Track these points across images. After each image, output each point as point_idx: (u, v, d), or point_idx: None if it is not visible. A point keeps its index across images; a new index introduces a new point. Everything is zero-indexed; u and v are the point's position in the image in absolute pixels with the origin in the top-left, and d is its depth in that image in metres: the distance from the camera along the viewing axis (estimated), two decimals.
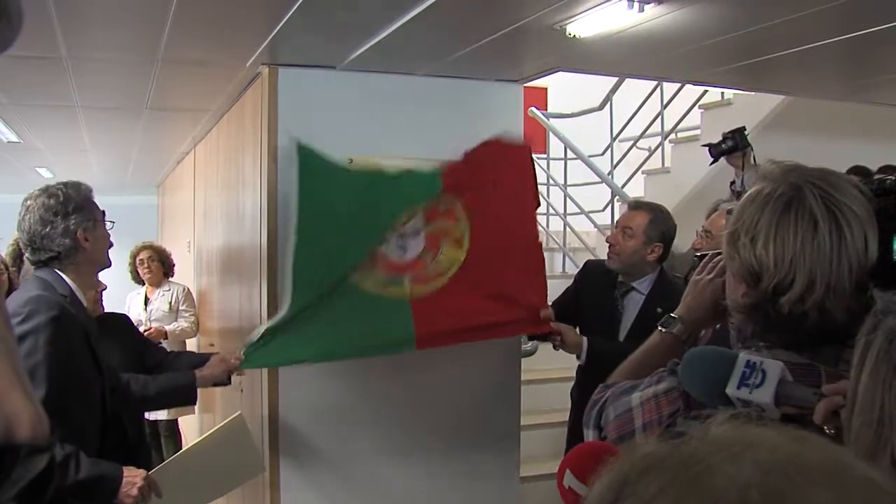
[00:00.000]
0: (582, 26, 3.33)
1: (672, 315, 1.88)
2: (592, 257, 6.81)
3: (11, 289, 5.15)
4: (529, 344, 4.90)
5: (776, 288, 1.44)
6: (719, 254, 1.83)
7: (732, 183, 4.32)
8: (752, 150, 4.15)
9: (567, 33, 3.38)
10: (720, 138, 4.23)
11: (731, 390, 1.37)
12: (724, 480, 0.61)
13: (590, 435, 1.79)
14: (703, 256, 2.05)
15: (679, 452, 0.66)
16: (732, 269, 1.55)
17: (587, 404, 1.87)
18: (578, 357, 3.82)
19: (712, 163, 4.40)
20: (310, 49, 3.87)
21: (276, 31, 3.47)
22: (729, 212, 1.91)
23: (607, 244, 4.04)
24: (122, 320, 3.98)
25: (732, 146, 4.17)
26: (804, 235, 1.41)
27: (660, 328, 1.89)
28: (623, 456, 0.70)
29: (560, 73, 4.39)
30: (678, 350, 1.83)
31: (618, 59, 4.03)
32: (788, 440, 0.66)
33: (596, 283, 4.07)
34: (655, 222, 3.85)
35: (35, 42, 3.66)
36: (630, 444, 0.72)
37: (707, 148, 4.29)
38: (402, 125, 4.27)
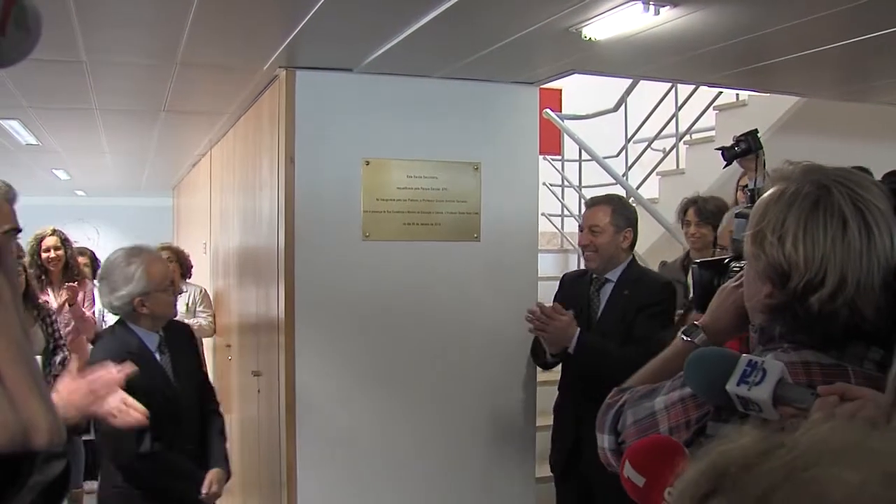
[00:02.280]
0: (597, 29, 3.34)
1: (696, 323, 1.84)
2: None
3: (28, 290, 5.24)
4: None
5: (806, 287, 1.43)
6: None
7: (745, 187, 4.31)
8: (763, 152, 4.15)
9: (583, 36, 3.39)
10: (733, 141, 4.22)
11: (730, 387, 1.37)
12: (841, 489, 0.59)
13: (605, 440, 1.76)
14: (702, 264, 2.04)
15: (787, 450, 0.64)
16: (757, 269, 1.53)
17: (600, 407, 1.82)
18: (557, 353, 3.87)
19: (726, 166, 4.39)
20: (327, 52, 3.90)
21: (293, 34, 3.50)
22: (738, 215, 1.89)
23: (580, 247, 4.08)
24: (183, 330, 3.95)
25: (746, 149, 4.14)
26: (834, 233, 1.41)
27: (682, 336, 1.85)
28: (717, 444, 0.68)
29: (575, 74, 4.40)
30: None
31: (633, 61, 4.05)
32: None
33: (573, 287, 4.13)
34: (618, 211, 3.92)
35: (56, 46, 3.69)
36: (723, 433, 0.71)
37: (720, 152, 4.29)
38: (418, 127, 4.30)
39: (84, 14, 3.26)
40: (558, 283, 4.35)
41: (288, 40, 3.60)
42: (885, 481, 0.59)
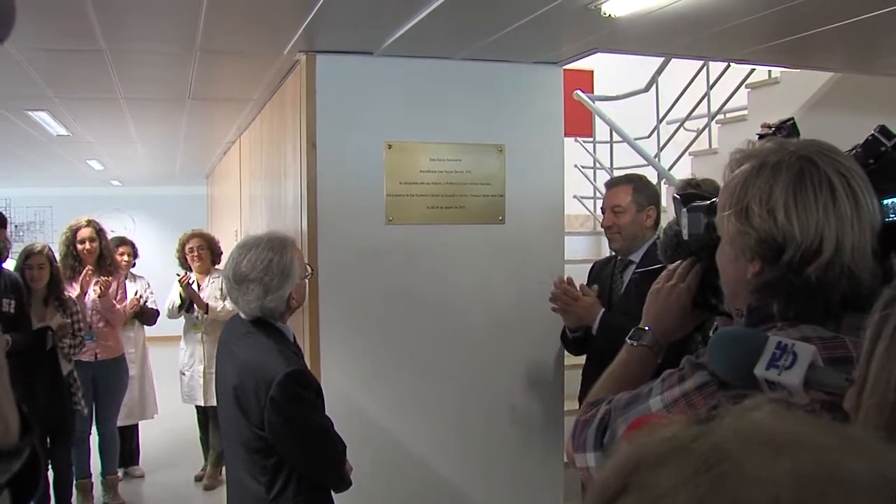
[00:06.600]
0: (617, 5, 3.28)
1: (641, 327, 1.82)
2: None
3: (56, 281, 5.32)
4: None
5: (802, 257, 1.39)
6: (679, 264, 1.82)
7: None
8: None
9: (602, 13, 3.33)
10: (771, 129, 4.14)
11: (759, 370, 1.30)
12: (750, 488, 0.53)
13: (589, 459, 1.63)
14: (644, 274, 2.00)
15: (704, 443, 0.57)
16: (742, 246, 1.47)
17: (573, 427, 1.72)
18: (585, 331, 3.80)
19: None
20: (346, 35, 3.87)
21: (310, 17, 3.47)
22: (691, 209, 1.78)
23: (604, 229, 4.00)
24: None
25: (786, 136, 4.08)
26: (825, 201, 1.38)
27: (629, 341, 1.82)
28: (643, 435, 0.61)
29: (605, 55, 4.33)
30: (652, 361, 1.79)
31: (655, 38, 3.97)
32: (832, 443, 0.57)
33: (600, 273, 4.07)
34: (638, 189, 3.84)
35: (73, 35, 3.70)
36: (655, 423, 0.64)
37: (758, 138, 4.21)
38: (440, 110, 4.26)
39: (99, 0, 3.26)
40: (588, 271, 4.26)
41: (305, 24, 3.57)
42: (796, 478, 0.53)
